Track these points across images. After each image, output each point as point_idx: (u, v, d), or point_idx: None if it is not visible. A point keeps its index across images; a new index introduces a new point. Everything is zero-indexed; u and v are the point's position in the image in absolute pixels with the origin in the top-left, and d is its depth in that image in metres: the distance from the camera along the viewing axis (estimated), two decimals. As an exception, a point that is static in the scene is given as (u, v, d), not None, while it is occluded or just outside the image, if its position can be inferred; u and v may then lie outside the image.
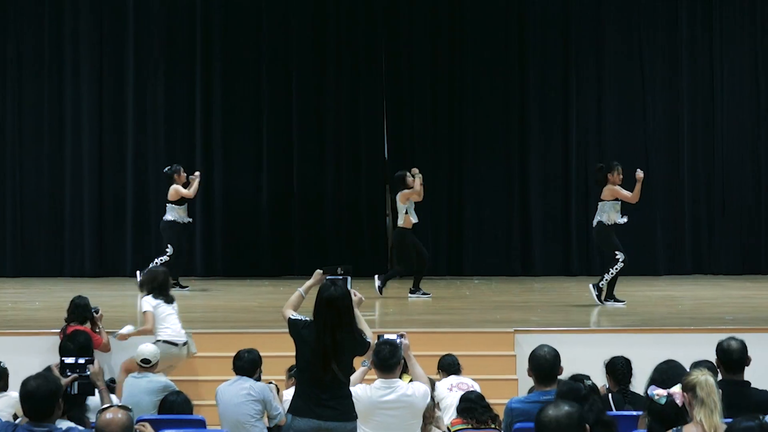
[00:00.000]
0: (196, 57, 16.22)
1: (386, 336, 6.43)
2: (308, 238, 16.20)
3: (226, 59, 16.23)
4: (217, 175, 16.20)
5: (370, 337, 6.21)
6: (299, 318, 6.14)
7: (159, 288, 9.33)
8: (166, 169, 13.77)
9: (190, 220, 13.84)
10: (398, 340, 6.40)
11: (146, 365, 8.39)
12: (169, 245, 13.40)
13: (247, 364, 7.85)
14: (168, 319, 9.20)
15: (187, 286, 13.99)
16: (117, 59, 16.17)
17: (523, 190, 16.38)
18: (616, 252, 11.98)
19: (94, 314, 9.58)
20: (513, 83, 16.39)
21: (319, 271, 6.36)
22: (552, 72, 16.41)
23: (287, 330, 6.20)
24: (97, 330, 9.55)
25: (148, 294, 9.35)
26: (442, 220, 16.37)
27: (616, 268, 12.00)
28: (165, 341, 9.08)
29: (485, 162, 16.38)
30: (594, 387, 5.02)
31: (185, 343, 9.29)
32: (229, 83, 16.23)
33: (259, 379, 7.89)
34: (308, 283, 6.37)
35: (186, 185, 13.57)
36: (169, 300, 9.31)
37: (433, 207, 16.14)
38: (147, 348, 8.50)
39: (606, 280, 12.07)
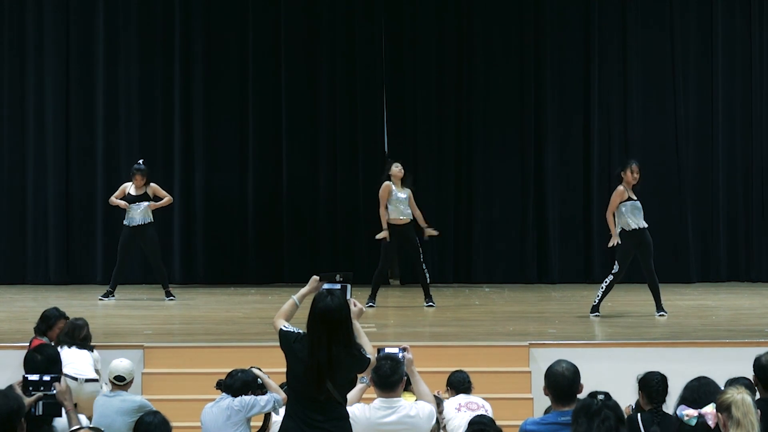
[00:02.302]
0: (174, 38, 16.25)
1: (387, 350, 6.44)
2: (299, 241, 16.24)
3: (208, 42, 16.26)
4: (198, 172, 16.23)
5: (371, 353, 6.21)
6: (292, 330, 6.15)
7: (73, 338, 9.48)
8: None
9: (141, 222, 13.77)
10: (400, 355, 6.42)
11: (120, 383, 8.43)
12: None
13: (237, 384, 7.88)
14: (78, 359, 9.30)
15: (174, 297, 13.98)
16: (85, 40, 16.19)
17: (539, 188, 16.42)
18: (616, 261, 12.19)
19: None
20: (528, 67, 16.42)
21: (315, 278, 6.36)
22: (571, 55, 16.44)
23: (277, 343, 6.23)
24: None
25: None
26: (449, 221, 16.38)
27: (605, 282, 12.24)
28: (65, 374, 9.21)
29: (496, 156, 16.42)
30: (609, 403, 5.04)
31: (88, 380, 9.31)
32: (212, 69, 16.26)
33: None
34: (303, 290, 6.39)
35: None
36: (86, 347, 9.42)
37: (439, 207, 16.17)
38: (121, 364, 8.53)
39: (597, 296, 12.31)
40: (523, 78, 16.44)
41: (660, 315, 12.25)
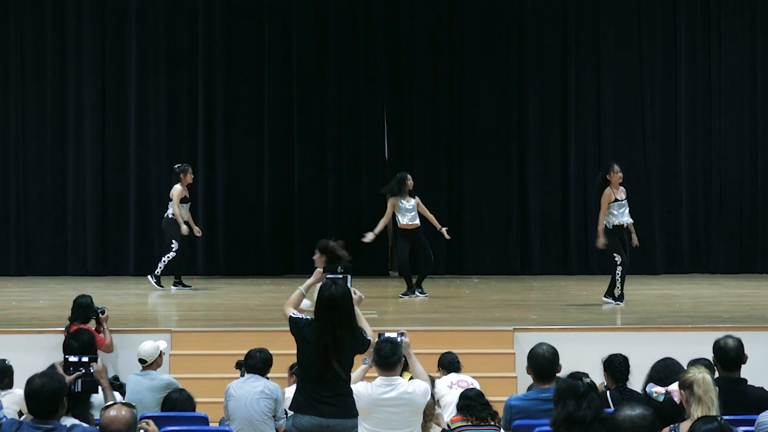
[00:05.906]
0: (198, 58, 16.21)
1: (387, 334, 6.44)
2: (309, 238, 16.14)
3: (229, 62, 16.22)
4: (219, 175, 16.20)
5: (371, 335, 6.22)
6: (300, 316, 6.16)
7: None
8: (177, 166, 13.80)
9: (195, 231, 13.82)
10: (399, 339, 6.41)
11: (142, 364, 8.36)
12: (173, 241, 13.43)
13: (260, 363, 7.82)
14: None
15: (189, 286, 13.96)
16: (119, 59, 16.14)
17: (522, 190, 16.37)
18: (614, 254, 11.96)
19: (100, 314, 9.64)
20: (512, 85, 16.37)
21: (319, 270, 6.38)
22: (551, 74, 16.38)
23: (288, 328, 6.21)
24: (101, 330, 9.58)
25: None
26: (442, 219, 16.25)
27: (616, 272, 12.00)
28: None
29: (484, 162, 16.38)
30: (592, 384, 5.02)
31: None
32: (231, 85, 16.22)
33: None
34: (309, 281, 6.39)
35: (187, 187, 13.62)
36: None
37: (433, 207, 16.07)
38: (143, 347, 8.47)
39: (617, 286, 12.03)
40: (507, 94, 16.36)
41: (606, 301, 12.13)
